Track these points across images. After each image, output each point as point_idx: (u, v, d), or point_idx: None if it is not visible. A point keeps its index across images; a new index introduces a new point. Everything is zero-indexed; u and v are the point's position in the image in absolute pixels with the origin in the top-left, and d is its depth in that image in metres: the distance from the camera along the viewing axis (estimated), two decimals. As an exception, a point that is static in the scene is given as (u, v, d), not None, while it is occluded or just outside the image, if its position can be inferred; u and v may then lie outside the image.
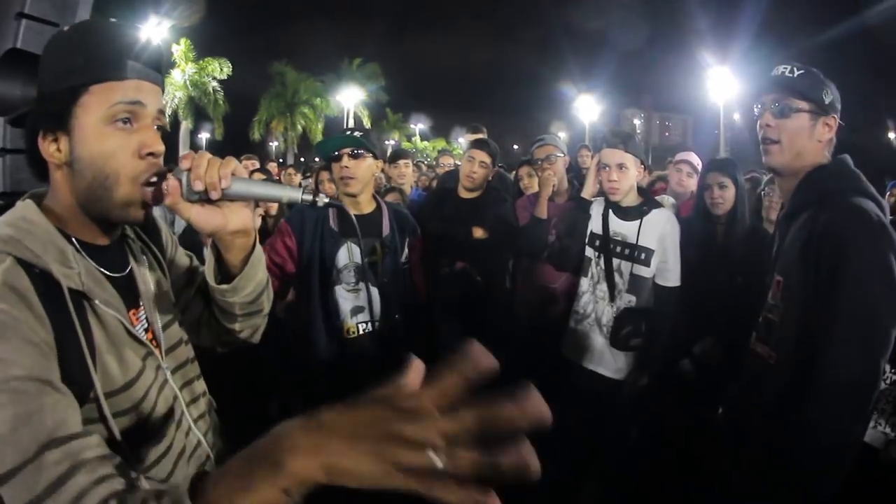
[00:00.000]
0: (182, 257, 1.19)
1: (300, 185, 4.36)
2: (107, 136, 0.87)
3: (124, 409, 0.87)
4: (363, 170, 2.24)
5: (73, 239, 0.90)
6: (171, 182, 0.88)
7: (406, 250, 2.44)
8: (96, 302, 0.86)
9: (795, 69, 1.52)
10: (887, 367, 1.92)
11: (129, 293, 0.97)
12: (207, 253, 1.02)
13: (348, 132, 2.29)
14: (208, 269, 1.02)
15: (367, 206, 2.36)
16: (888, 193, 4.29)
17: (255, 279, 1.04)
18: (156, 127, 0.93)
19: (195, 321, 1.16)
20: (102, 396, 0.82)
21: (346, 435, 0.49)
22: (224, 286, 1.01)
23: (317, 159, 28.19)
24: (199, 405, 1.10)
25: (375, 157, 2.30)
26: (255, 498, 0.52)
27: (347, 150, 2.22)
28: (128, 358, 0.90)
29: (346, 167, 2.21)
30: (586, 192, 2.67)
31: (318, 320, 2.25)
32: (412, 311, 2.44)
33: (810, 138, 1.51)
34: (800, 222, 1.48)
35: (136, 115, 0.89)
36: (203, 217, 0.91)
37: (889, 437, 1.93)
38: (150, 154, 0.90)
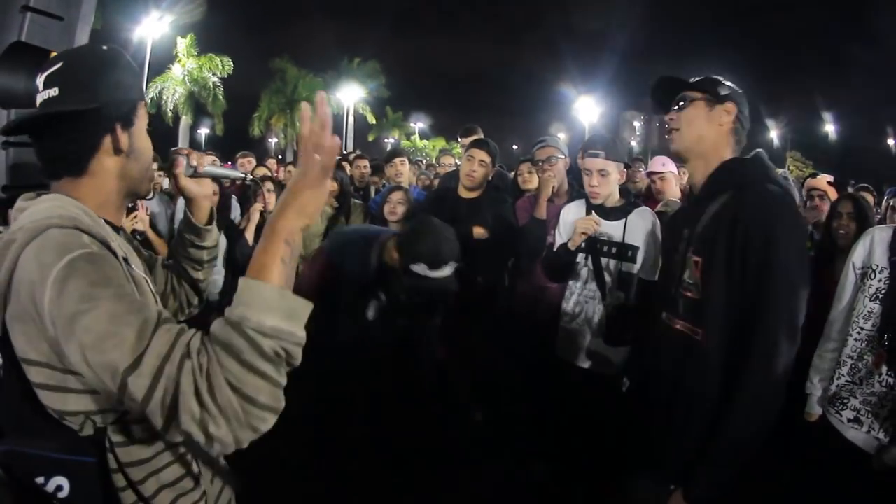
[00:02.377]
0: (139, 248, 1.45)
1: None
2: (146, 135, 1.20)
3: None
4: None
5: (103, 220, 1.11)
6: (179, 160, 1.35)
7: None
8: (133, 266, 1.07)
9: (698, 78, 1.70)
10: (884, 369, 1.94)
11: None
12: (184, 211, 1.44)
13: None
14: (187, 219, 1.43)
15: None
16: (885, 200, 4.29)
17: (215, 231, 1.48)
18: None
19: (160, 294, 1.40)
20: None
21: (296, 197, 0.95)
22: (206, 226, 1.43)
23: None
24: None
25: None
26: (270, 250, 0.92)
27: None
28: None
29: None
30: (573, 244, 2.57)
31: None
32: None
33: (709, 122, 1.63)
34: (717, 206, 1.57)
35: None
36: (192, 186, 1.39)
37: (882, 443, 1.94)
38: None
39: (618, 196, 2.64)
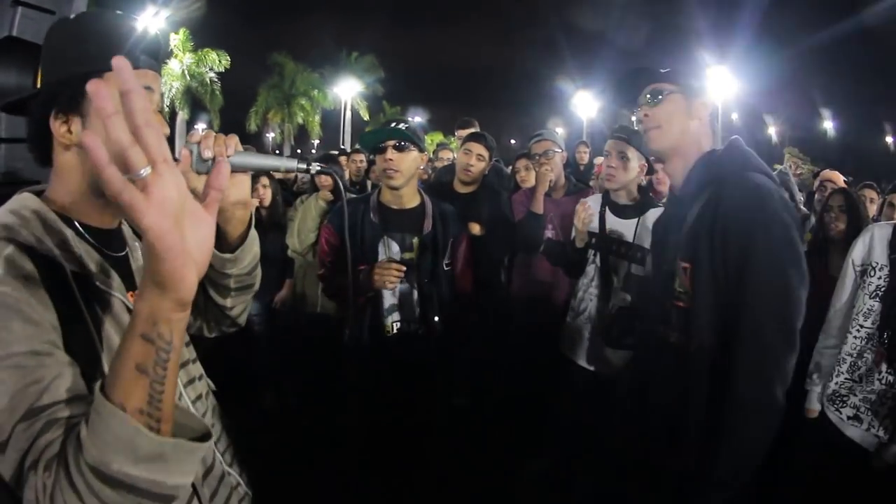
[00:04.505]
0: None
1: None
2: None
3: None
4: (408, 163, 2.17)
5: (76, 223, 0.95)
6: (183, 152, 0.97)
7: (449, 250, 2.32)
8: (97, 283, 0.91)
9: (661, 68, 1.59)
10: (884, 367, 1.93)
11: (128, 273, 1.03)
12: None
13: (394, 124, 2.22)
14: None
15: (410, 201, 2.28)
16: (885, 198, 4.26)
17: (253, 251, 1.13)
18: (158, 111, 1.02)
19: None
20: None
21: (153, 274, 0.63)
22: (227, 255, 1.08)
23: (313, 151, 27.98)
24: (196, 387, 1.14)
25: (420, 150, 2.23)
26: (122, 353, 0.65)
27: (392, 142, 2.15)
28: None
29: (391, 160, 2.14)
30: (579, 241, 2.56)
31: (358, 315, 2.22)
32: (452, 314, 2.33)
33: (689, 118, 1.53)
34: (699, 206, 1.47)
35: None
36: None
37: (881, 441, 1.94)
38: None
39: (636, 194, 2.56)
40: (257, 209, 3.88)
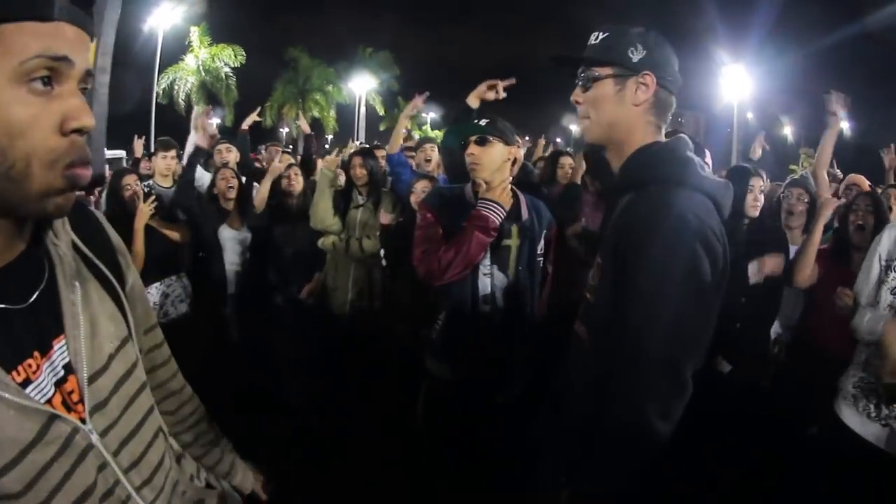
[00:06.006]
0: (140, 289, 0.94)
1: (337, 166, 3.95)
2: (17, 103, 0.60)
3: (8, 493, 0.64)
4: (489, 156, 2.23)
5: None
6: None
7: (542, 241, 2.37)
8: None
9: (601, 34, 1.33)
10: None
11: (32, 332, 0.70)
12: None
13: (476, 121, 2.31)
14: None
15: (503, 193, 2.27)
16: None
17: None
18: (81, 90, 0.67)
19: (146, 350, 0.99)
20: None
21: None
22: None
23: (326, 146, 28.04)
24: (141, 469, 0.83)
25: (507, 143, 2.25)
26: None
27: (473, 138, 2.24)
28: (7, 435, 0.63)
29: (472, 154, 2.23)
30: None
31: (453, 302, 2.26)
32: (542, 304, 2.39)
33: (620, 104, 1.31)
34: (621, 206, 1.34)
35: (59, 74, 0.63)
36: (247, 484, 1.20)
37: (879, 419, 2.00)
38: (77, 131, 0.65)
39: None
40: (287, 199, 3.86)
